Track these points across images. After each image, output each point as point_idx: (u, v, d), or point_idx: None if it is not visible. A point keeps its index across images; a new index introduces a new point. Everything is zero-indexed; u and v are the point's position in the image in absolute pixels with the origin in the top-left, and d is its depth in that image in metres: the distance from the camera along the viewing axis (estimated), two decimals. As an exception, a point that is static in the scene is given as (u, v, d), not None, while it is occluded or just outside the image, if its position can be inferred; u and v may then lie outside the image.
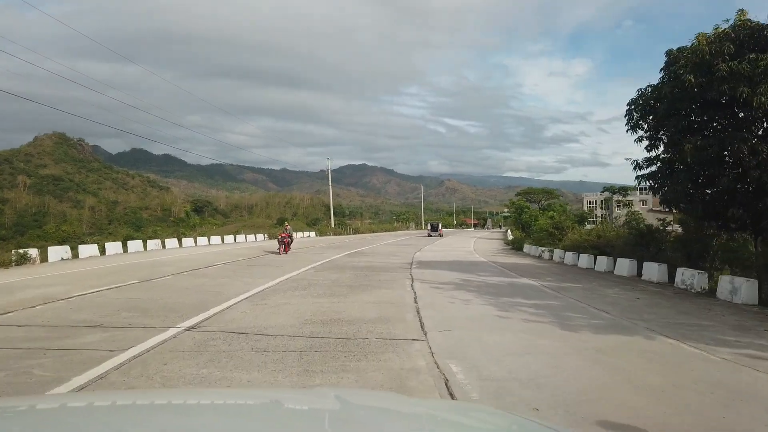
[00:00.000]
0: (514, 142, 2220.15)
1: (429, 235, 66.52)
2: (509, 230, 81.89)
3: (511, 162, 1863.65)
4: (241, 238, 48.79)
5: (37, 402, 2.36)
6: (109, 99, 48.22)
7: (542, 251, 31.39)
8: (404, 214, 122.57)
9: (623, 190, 69.70)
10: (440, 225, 76.89)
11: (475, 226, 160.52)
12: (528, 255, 33.95)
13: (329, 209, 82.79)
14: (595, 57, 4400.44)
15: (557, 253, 28.38)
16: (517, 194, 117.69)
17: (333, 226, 76.05)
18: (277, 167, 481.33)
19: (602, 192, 70.57)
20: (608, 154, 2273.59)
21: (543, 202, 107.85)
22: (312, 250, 34.28)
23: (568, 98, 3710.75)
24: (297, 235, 58.60)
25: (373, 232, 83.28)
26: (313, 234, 63.67)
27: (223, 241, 45.83)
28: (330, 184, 75.54)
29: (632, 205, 59.12)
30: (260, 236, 52.16)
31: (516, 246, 41.79)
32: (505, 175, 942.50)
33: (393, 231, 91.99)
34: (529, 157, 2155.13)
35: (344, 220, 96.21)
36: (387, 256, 29.83)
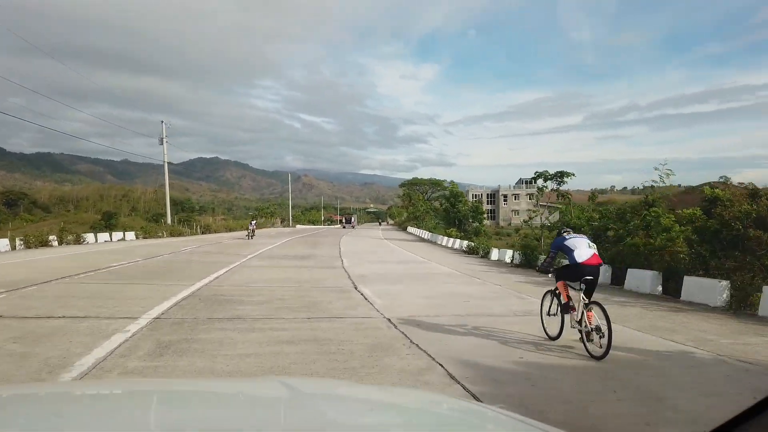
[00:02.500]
0: (369, 140, 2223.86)
1: (344, 227, 72.65)
2: (411, 227, 62.29)
3: (366, 160, 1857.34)
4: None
5: None
6: None
7: (723, 289, 11.10)
8: (268, 208, 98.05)
9: (563, 175, 52.73)
10: (354, 218, 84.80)
11: (340, 222, 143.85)
12: (641, 295, 13.50)
13: (174, 201, 57.48)
14: (442, 63, 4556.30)
15: None
16: (402, 185, 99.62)
17: (171, 222, 50.69)
18: (117, 158, 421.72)
19: (534, 179, 53.40)
20: (453, 155, 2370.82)
21: (430, 193, 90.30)
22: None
23: (419, 100, 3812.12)
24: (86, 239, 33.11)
25: (231, 230, 59.13)
26: (132, 235, 38.15)
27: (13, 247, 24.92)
28: (165, 161, 49.85)
29: (567, 197, 42.32)
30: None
31: (517, 262, 21.44)
32: (360, 172, 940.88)
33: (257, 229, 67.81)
34: (383, 155, 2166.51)
35: (193, 215, 70.51)
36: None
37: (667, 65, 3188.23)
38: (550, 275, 7.78)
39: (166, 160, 48.44)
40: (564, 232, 7.47)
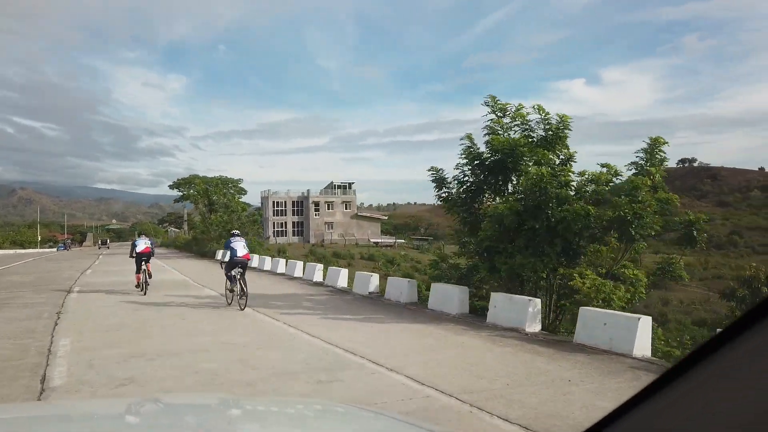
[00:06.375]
0: (105, 151, 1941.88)
1: (99, 248, 75.45)
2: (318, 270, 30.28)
3: (103, 173, 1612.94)
4: None
5: None
6: None
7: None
8: None
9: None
10: (108, 240, 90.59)
11: (72, 241, 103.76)
12: None
13: None
14: (191, 75, 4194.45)
15: None
16: (172, 186, 64.68)
17: None
18: None
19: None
20: (203, 170, 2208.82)
21: (222, 197, 57.02)
22: None
23: (164, 112, 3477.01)
24: None
25: None
26: None
27: None
28: None
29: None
30: None
31: None
32: (96, 186, 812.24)
33: None
34: (122, 168, 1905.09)
35: None
36: None
37: (400, 98, 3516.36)
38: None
39: None
40: (231, 236, 12.54)
